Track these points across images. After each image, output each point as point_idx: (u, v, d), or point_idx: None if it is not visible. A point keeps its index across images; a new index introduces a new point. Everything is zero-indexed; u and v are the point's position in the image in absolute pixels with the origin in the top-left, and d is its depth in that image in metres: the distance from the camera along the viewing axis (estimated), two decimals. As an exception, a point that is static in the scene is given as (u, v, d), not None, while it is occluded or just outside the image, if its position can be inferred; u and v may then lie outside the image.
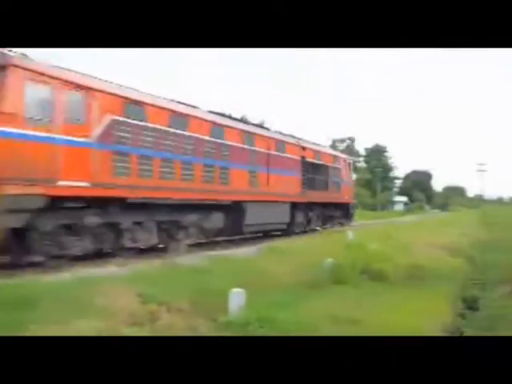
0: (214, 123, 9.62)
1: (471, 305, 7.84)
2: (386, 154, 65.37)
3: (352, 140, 62.28)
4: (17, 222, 5.63)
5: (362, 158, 58.27)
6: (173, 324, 4.80)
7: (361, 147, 63.97)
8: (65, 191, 6.18)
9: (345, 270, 8.25)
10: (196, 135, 8.81)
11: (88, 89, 6.63)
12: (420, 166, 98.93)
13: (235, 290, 5.45)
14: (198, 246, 9.55)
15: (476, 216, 28.95)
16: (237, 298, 5.41)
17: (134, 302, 4.88)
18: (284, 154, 12.34)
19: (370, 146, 65.73)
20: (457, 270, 9.49)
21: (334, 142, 58.16)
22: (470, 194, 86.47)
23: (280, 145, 12.20)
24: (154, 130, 7.74)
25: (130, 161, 7.25)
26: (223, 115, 10.63)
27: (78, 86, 6.52)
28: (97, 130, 6.66)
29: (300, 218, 13.28)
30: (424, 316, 6.42)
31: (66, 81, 6.37)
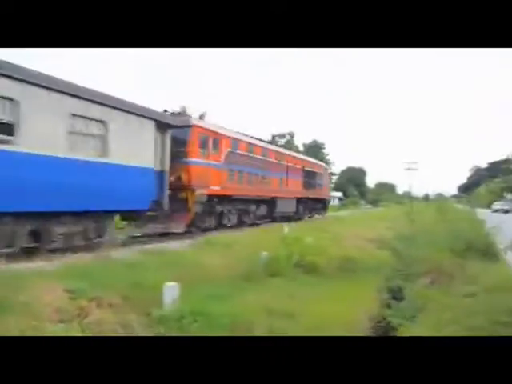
0: (263, 148, 16.33)
1: (396, 295, 8.85)
2: (323, 150, 68.82)
3: (292, 135, 64.64)
4: (199, 208, 11.06)
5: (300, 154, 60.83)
6: (103, 320, 4.93)
7: (300, 143, 67.17)
8: (212, 192, 11.61)
9: (280, 263, 8.87)
10: (256, 156, 15.20)
11: (220, 135, 12.26)
12: (355, 163, 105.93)
13: (169, 283, 5.66)
14: (133, 239, 9.95)
15: (403, 212, 32.06)
16: (171, 291, 5.63)
17: (62, 297, 4.95)
18: (294, 166, 19.49)
19: (308, 141, 68.92)
20: (384, 262, 10.63)
21: (274, 137, 59.95)
22: (400, 190, 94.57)
23: (292, 159, 19.74)
24: (242, 155, 13.73)
25: (234, 174, 13.15)
26: (265, 141, 18.88)
27: (217, 134, 12.00)
28: (223, 157, 12.26)
29: (301, 208, 20.54)
30: (354, 306, 7.22)
31: (212, 132, 11.79)
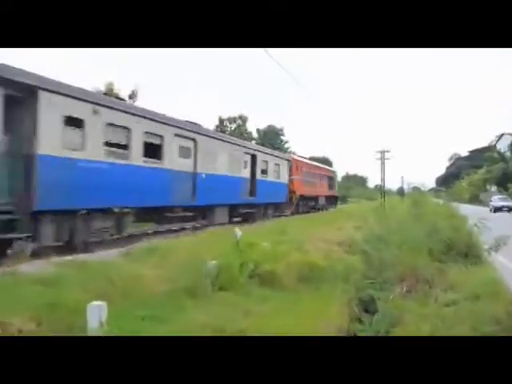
0: (312, 164, 37.05)
1: (368, 307, 9.26)
2: (281, 136, 70.01)
3: (244, 120, 65.15)
4: (296, 202, 30.44)
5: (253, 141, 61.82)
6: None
7: (254, 128, 68.53)
8: (300, 193, 30.71)
9: (231, 274, 9.02)
10: (310, 171, 34.55)
11: (301, 162, 32.50)
12: (318, 152, 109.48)
13: (94, 303, 5.62)
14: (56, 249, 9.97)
15: (374, 208, 33.46)
16: (96, 312, 5.58)
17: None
18: (323, 174, 39.11)
19: (263, 126, 69.86)
20: (353, 269, 11.08)
21: (223, 121, 60.24)
22: (372, 184, 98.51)
23: (321, 169, 40.02)
24: (307, 171, 33.18)
25: (305, 183, 32.10)
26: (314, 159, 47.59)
27: (300, 162, 32.07)
28: (302, 174, 31.39)
29: (327, 202, 39.82)
30: (319, 322, 7.50)
31: (299, 161, 31.81)
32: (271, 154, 26.27)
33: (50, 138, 9.82)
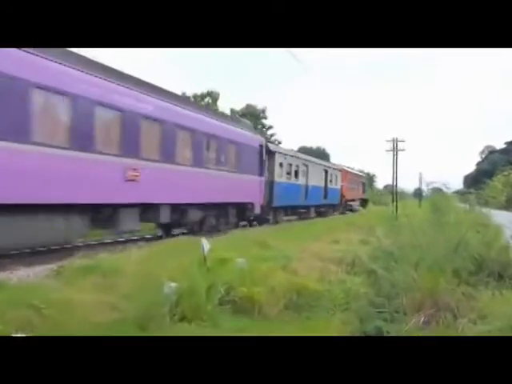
0: (354, 173, 64.59)
1: (374, 343, 9.36)
2: (263, 120, 70.30)
3: (215, 97, 65.22)
4: (345, 204, 56.45)
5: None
6: None
7: (227, 107, 68.61)
8: (347, 198, 55.78)
9: (196, 300, 8.98)
10: (353, 178, 61.41)
11: (348, 172, 58.20)
12: (312, 142, 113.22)
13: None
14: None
15: (384, 215, 33.65)
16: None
17: None
18: (358, 180, 65.27)
19: (240, 107, 70.25)
20: (356, 294, 11.15)
21: (184, 95, 60.32)
22: (381, 183, 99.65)
23: (360, 177, 69.31)
24: (350, 179, 58.78)
25: (349, 188, 56.98)
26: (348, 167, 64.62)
27: (346, 171, 57.51)
28: (347, 181, 55.93)
29: (360, 205, 63.14)
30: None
31: (345, 171, 56.43)
32: (334, 168, 49.47)
33: (279, 173, 31.56)
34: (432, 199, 40.00)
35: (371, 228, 23.86)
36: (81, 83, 14.50)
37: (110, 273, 10.03)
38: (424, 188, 74.82)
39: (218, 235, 19.80)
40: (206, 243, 11.23)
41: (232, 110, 69.13)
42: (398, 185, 60.87)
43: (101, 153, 15.23)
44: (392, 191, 59.09)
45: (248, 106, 71.49)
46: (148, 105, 17.78)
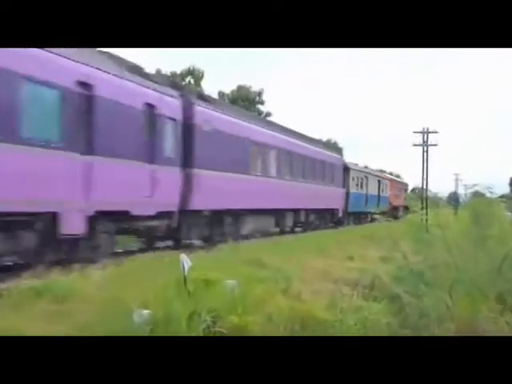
0: (397, 181, 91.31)
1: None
2: (259, 106, 70.58)
3: (198, 76, 65.46)
4: (392, 209, 76.59)
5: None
6: None
7: (215, 89, 69.71)
8: (393, 204, 75.85)
9: (174, 330, 8.88)
10: (398, 186, 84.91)
11: (393, 181, 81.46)
12: (323, 133, 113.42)
13: None
14: None
15: (410, 225, 33.37)
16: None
17: None
18: (401, 187, 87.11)
19: (230, 89, 70.44)
20: (375, 324, 11.05)
21: (159, 72, 60.45)
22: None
23: (403, 185, 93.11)
24: (394, 186, 79.46)
25: (393, 195, 77.07)
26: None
27: (392, 180, 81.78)
28: (392, 188, 76.49)
29: (402, 212, 79.67)
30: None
31: (390, 179, 78.86)
32: (384, 178, 67.17)
33: (352, 185, 52.12)
34: (471, 206, 39.38)
35: (394, 241, 23.72)
36: (261, 134, 31.67)
37: (65, 297, 10.00)
38: (461, 192, 75.17)
39: (206, 249, 19.91)
40: (186, 260, 11.06)
41: (222, 94, 69.16)
42: (429, 188, 60.88)
43: (271, 177, 32.86)
44: (421, 196, 59.12)
45: (240, 88, 71.15)
46: (277, 139, 33.99)
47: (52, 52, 15.37)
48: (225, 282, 11.61)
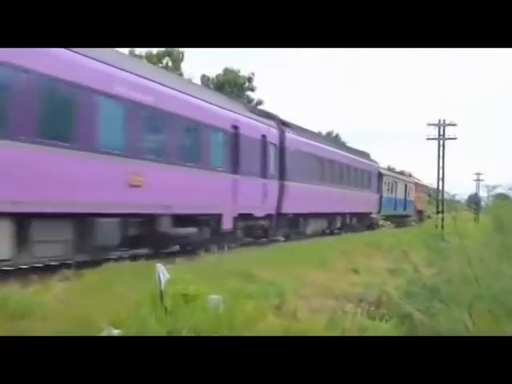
0: (421, 184, 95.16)
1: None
2: (249, 92, 70.58)
3: (176, 58, 65.38)
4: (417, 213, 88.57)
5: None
6: None
7: (197, 73, 70.20)
8: (417, 208, 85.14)
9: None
10: (422, 189, 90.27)
11: (418, 184, 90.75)
12: (317, 126, 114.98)
13: None
14: None
15: (423, 232, 33.19)
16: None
17: None
18: (426, 191, 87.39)
19: (216, 73, 70.50)
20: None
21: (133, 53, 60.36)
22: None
23: (425, 187, 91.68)
24: (418, 189, 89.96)
25: (419, 198, 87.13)
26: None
27: (417, 184, 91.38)
28: (417, 191, 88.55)
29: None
30: None
31: (415, 183, 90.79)
32: (410, 182, 79.76)
33: (384, 190, 63.85)
34: (495, 211, 38.97)
35: (405, 252, 23.73)
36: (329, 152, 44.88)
37: (22, 314, 9.96)
38: (483, 194, 74.84)
39: (189, 259, 19.99)
40: (163, 271, 10.93)
41: (205, 79, 68.98)
42: (446, 189, 60.43)
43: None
44: (436, 198, 58.98)
45: (227, 72, 70.75)
46: (337, 155, 46.71)
47: (218, 106, 27.71)
48: (208, 298, 11.58)
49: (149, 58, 63.96)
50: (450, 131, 60.01)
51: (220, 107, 28.64)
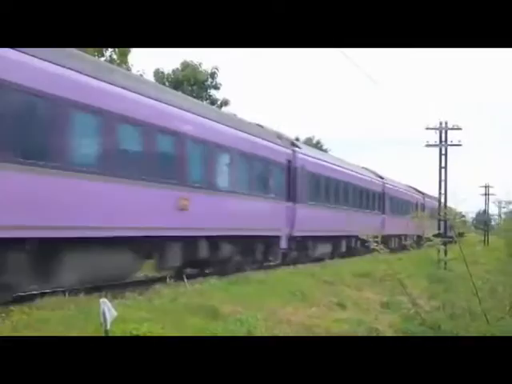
0: (432, 197, 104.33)
1: None
2: (212, 91, 70.67)
3: (122, 50, 65.23)
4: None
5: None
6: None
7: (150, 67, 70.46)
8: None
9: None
10: (432, 201, 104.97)
11: (427, 195, 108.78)
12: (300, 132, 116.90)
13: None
14: None
15: (421, 257, 33.27)
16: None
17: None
18: (433, 202, 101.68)
19: (172, 68, 70.65)
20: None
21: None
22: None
23: (434, 199, 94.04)
24: (430, 201, 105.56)
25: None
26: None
27: (428, 196, 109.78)
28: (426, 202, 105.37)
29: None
30: None
31: (423, 194, 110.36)
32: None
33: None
34: (507, 231, 38.65)
35: (401, 281, 23.65)
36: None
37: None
38: (494, 211, 74.90)
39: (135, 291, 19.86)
40: (108, 307, 10.50)
41: (159, 73, 68.58)
42: (448, 204, 60.28)
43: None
44: (438, 217, 58.81)
45: (185, 67, 70.34)
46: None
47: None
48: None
49: (88, 50, 63.38)
50: (453, 136, 59.70)
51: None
